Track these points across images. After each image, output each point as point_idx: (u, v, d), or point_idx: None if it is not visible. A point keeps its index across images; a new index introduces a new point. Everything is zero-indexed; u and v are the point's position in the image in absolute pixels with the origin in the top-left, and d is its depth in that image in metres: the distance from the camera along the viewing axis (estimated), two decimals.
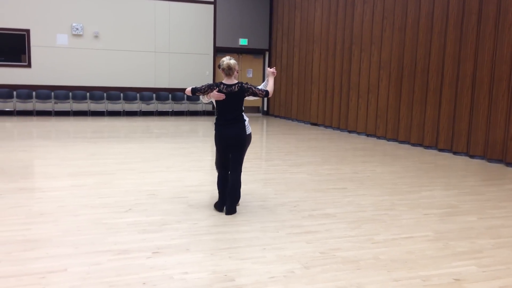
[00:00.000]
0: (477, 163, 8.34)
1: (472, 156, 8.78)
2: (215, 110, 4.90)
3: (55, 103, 14.41)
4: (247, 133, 4.90)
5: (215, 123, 4.86)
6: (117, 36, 15.00)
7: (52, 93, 14.38)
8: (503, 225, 4.73)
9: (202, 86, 4.76)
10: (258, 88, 4.88)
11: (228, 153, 4.87)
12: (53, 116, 14.35)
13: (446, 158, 8.85)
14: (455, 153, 9.16)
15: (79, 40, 14.63)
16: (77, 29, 14.53)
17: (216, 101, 4.77)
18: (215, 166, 5.13)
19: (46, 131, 11.15)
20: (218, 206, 4.92)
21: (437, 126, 9.59)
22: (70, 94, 14.58)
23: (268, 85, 5.00)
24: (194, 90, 4.73)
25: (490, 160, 8.41)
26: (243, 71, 16.72)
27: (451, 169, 7.81)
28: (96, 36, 14.77)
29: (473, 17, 8.72)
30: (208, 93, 4.74)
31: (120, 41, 15.05)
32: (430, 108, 9.73)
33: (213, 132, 4.92)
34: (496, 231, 4.51)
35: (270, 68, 5.08)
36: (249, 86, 4.78)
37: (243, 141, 4.84)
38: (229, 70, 4.72)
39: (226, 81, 4.76)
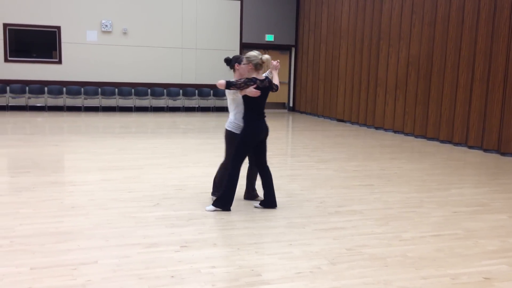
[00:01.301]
0: (508, 161, 8.15)
1: (503, 154, 8.59)
2: (243, 106, 4.66)
3: (85, 98, 14.69)
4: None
5: (249, 119, 4.61)
6: (145, 33, 15.18)
7: (82, 89, 14.66)
8: None
9: (238, 81, 4.51)
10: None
11: (256, 147, 4.80)
12: (83, 111, 14.63)
13: (476, 155, 8.68)
14: (485, 150, 8.97)
15: (108, 36, 14.87)
16: (106, 26, 14.77)
17: (250, 97, 4.56)
18: (233, 166, 4.67)
19: (76, 126, 11.38)
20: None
21: (467, 122, 9.40)
22: (99, 90, 14.83)
23: (274, 79, 4.91)
24: (229, 84, 4.46)
25: None
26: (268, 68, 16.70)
27: (482, 167, 7.65)
28: (124, 33, 14.98)
29: (505, 11, 8.51)
30: (243, 89, 4.52)
31: (148, 38, 15.22)
32: (460, 105, 9.55)
33: None
34: None
35: (274, 62, 4.88)
36: (269, 80, 4.80)
37: None
38: (261, 66, 4.63)
39: (257, 76, 4.63)
